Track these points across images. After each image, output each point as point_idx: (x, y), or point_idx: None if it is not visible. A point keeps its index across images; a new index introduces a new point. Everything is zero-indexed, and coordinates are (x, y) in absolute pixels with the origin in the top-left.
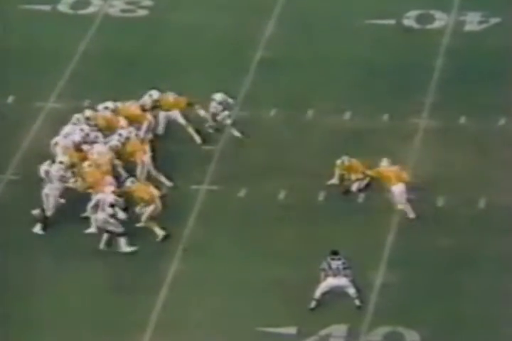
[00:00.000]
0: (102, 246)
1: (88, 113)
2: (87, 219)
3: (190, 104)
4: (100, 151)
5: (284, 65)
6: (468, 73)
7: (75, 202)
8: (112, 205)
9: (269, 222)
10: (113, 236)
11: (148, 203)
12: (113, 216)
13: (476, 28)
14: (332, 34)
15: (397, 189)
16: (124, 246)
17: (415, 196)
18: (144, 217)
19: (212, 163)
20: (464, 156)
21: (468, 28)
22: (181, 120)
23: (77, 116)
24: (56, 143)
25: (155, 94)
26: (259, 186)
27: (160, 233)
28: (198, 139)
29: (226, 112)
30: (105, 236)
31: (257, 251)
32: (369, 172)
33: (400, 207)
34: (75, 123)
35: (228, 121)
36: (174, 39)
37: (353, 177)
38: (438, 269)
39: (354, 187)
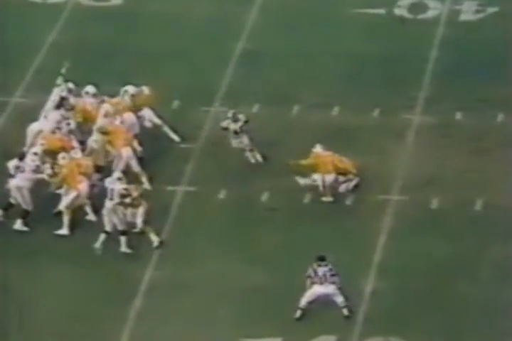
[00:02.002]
0: (98, 245)
1: (91, 89)
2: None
3: (154, 104)
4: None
5: (267, 57)
6: (464, 65)
7: (43, 201)
8: (125, 195)
9: (252, 225)
10: (112, 235)
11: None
12: (122, 203)
13: (472, 18)
14: (319, 24)
15: (330, 178)
16: (124, 245)
17: (407, 197)
18: (139, 222)
19: (190, 163)
20: (460, 154)
21: (463, 17)
22: (155, 119)
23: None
24: (40, 131)
25: (131, 89)
26: (241, 187)
27: (155, 239)
28: (175, 137)
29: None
30: (102, 236)
31: (239, 257)
32: (305, 161)
33: (326, 199)
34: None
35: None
36: (150, 30)
37: (341, 178)
38: (432, 276)
39: (342, 188)
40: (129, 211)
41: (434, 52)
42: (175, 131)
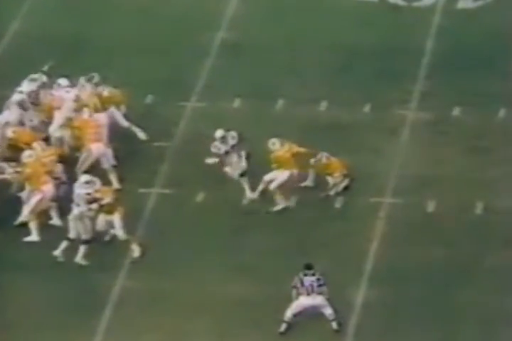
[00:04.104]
0: (58, 253)
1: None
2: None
3: (122, 101)
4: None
5: (249, 47)
6: (462, 57)
7: (5, 204)
8: (91, 201)
9: (232, 231)
10: (74, 244)
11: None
12: (91, 209)
13: (471, 6)
14: (305, 12)
15: (285, 174)
16: (81, 255)
17: (401, 199)
18: (120, 233)
19: (165, 163)
20: (458, 153)
21: (461, 5)
22: (122, 121)
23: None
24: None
25: (96, 78)
26: (220, 189)
27: (137, 249)
28: (142, 135)
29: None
30: (64, 243)
31: (218, 265)
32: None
33: (251, 195)
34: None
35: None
36: (122, 19)
37: (330, 180)
38: (428, 285)
39: (332, 190)
40: (102, 218)
41: (430, 43)
42: (142, 128)
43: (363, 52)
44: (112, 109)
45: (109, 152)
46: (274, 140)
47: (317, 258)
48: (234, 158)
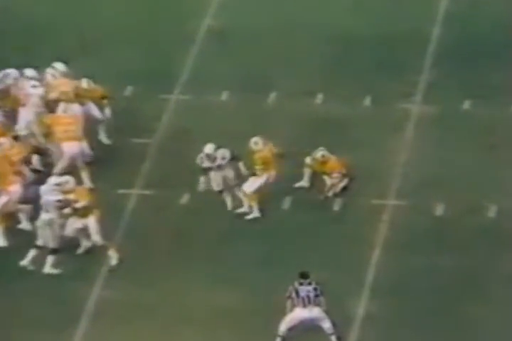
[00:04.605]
0: (26, 262)
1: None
2: None
3: (104, 97)
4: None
5: (238, 35)
6: (472, 46)
7: None
8: (63, 207)
9: (219, 236)
10: (43, 252)
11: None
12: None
13: None
14: None
15: (263, 178)
16: (50, 265)
17: (406, 202)
18: (95, 235)
19: (146, 161)
20: (468, 151)
21: None
22: (97, 113)
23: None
24: None
25: (60, 66)
26: (207, 191)
27: (114, 256)
28: (106, 140)
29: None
30: (32, 252)
31: (203, 274)
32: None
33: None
34: None
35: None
36: (101, 4)
37: (328, 180)
38: (436, 296)
39: (330, 191)
40: (75, 221)
41: (437, 30)
42: (121, 127)
43: (362, 40)
44: (90, 105)
45: (85, 149)
46: (256, 139)
47: (313, 267)
48: (218, 175)
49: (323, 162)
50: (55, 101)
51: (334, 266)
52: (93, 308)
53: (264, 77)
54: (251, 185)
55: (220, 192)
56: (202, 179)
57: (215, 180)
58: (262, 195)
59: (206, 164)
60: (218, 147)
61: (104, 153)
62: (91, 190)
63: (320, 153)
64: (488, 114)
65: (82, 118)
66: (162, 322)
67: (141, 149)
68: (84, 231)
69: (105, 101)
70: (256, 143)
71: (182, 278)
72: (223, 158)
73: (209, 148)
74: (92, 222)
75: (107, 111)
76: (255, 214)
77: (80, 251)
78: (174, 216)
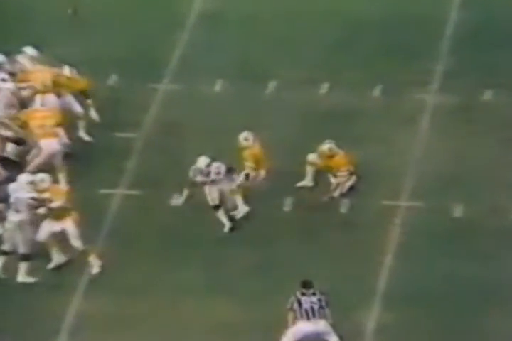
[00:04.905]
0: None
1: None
2: None
3: (85, 92)
4: None
5: (233, 19)
6: (493, 30)
7: None
8: (37, 206)
9: (213, 240)
10: (13, 258)
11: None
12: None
13: None
14: None
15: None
16: (23, 273)
17: (421, 203)
18: (75, 240)
19: (132, 158)
20: (489, 146)
21: None
22: (77, 107)
23: None
24: None
25: (30, 51)
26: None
27: (96, 264)
28: (86, 137)
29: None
30: (0, 259)
31: (197, 282)
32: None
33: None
34: None
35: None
36: None
37: (333, 179)
38: (455, 307)
39: (336, 191)
40: (50, 225)
41: (455, 13)
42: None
43: (371, 23)
44: (69, 97)
45: (64, 144)
46: (246, 134)
47: (318, 275)
48: (213, 189)
49: (330, 156)
50: (29, 97)
51: (341, 274)
52: (72, 322)
53: (262, 65)
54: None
55: (217, 207)
56: (185, 192)
57: (211, 194)
58: (247, 191)
59: (199, 178)
60: (212, 159)
61: (85, 149)
62: (68, 190)
63: (327, 145)
64: (509, 105)
65: (60, 111)
66: (151, 337)
67: (126, 144)
68: (61, 236)
69: (89, 102)
70: (246, 138)
71: (172, 288)
72: (218, 173)
73: (202, 162)
74: (69, 225)
75: (93, 112)
76: (243, 208)
77: (51, 266)
78: (163, 218)
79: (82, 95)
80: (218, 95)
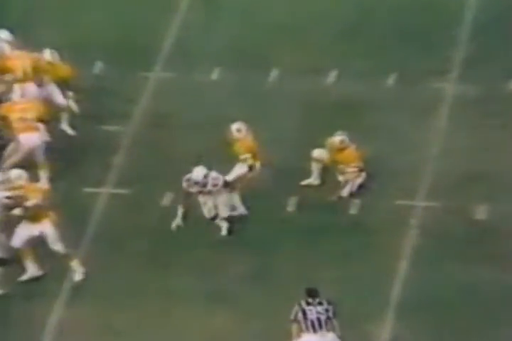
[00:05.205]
0: None
1: None
2: None
3: (66, 81)
4: None
5: (231, 1)
6: None
7: None
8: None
9: (210, 243)
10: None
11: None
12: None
13: None
14: None
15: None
16: None
17: (439, 203)
18: (56, 244)
19: (119, 153)
20: None
21: None
22: (60, 97)
23: None
24: None
25: (4, 35)
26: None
27: (79, 270)
28: (70, 130)
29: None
30: None
31: (191, 290)
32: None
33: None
34: None
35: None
36: None
37: (341, 176)
38: (475, 317)
39: (345, 190)
40: (26, 228)
41: None
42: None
43: (385, 5)
44: (51, 86)
45: (44, 138)
46: (238, 125)
47: (325, 282)
48: (208, 200)
49: (341, 150)
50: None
51: (351, 282)
52: (54, 332)
53: (264, 51)
54: (231, 175)
55: (213, 219)
56: (180, 210)
57: (206, 204)
58: (245, 187)
59: (194, 189)
60: (209, 169)
61: (68, 143)
62: (46, 188)
63: (339, 137)
64: None
65: (42, 103)
66: None
67: (113, 139)
68: (39, 239)
69: (70, 94)
70: (239, 130)
71: (164, 296)
72: (214, 185)
73: (198, 173)
74: (48, 227)
75: (72, 103)
76: (240, 208)
77: (24, 278)
78: (153, 219)
79: (63, 84)
80: (215, 84)
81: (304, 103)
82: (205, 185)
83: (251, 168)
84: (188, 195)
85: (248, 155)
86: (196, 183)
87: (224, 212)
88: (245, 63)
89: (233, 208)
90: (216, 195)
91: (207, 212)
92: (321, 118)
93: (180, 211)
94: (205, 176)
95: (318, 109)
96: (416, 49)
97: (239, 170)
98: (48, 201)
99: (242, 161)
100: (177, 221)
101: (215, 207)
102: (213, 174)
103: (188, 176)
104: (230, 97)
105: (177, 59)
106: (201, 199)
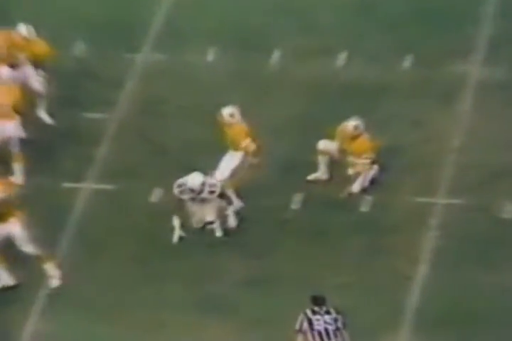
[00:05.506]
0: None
1: None
2: None
3: (41, 59)
4: None
5: None
6: None
7: None
8: None
9: (202, 245)
10: None
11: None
12: None
13: None
14: None
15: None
16: None
17: (463, 200)
18: (26, 245)
19: (103, 144)
20: None
21: None
22: (37, 81)
23: None
24: None
25: None
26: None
27: (54, 274)
28: (47, 119)
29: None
30: None
31: (183, 298)
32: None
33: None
34: None
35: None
36: None
37: (351, 170)
38: (502, 328)
39: (355, 185)
40: None
41: None
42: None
43: None
44: (27, 68)
45: (18, 128)
46: (231, 109)
47: (333, 288)
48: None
49: (353, 138)
50: None
51: (362, 288)
52: None
53: (265, 30)
54: (223, 169)
55: (203, 227)
56: (176, 222)
57: (195, 214)
58: (240, 182)
59: (186, 196)
60: (205, 174)
61: (46, 132)
62: (17, 183)
63: (353, 123)
64: None
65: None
66: None
67: (96, 127)
68: (6, 241)
69: (43, 74)
70: (232, 114)
71: (153, 305)
72: (211, 193)
73: (194, 180)
74: (16, 227)
75: (40, 85)
76: (236, 204)
77: None
78: (141, 218)
79: (38, 63)
80: (210, 67)
81: (310, 88)
82: (200, 192)
83: (257, 149)
84: (181, 202)
85: (248, 141)
86: (192, 190)
87: (211, 217)
88: (244, 43)
89: (224, 218)
90: (207, 203)
91: (195, 222)
92: (328, 105)
93: (176, 222)
94: (202, 184)
95: (326, 95)
96: (435, 27)
97: (231, 162)
98: (18, 197)
99: (242, 149)
100: (177, 233)
101: (204, 216)
102: (210, 180)
103: (180, 181)
104: (226, 81)
105: (167, 38)
106: (191, 208)
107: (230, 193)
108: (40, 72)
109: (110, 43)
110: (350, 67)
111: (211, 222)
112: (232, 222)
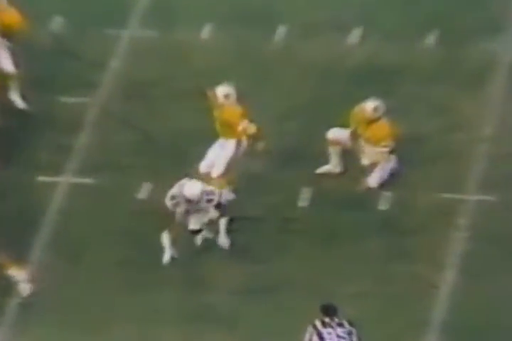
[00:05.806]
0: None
1: None
2: None
3: (10, 30)
4: None
5: None
6: None
7: None
8: None
9: (196, 250)
10: None
11: None
12: None
13: None
14: None
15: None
16: None
17: (495, 197)
18: None
19: (84, 133)
20: None
21: None
22: (7, 62)
23: None
24: None
25: None
26: (176, 178)
27: (25, 281)
28: (20, 103)
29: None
30: None
31: (177, 308)
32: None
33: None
34: None
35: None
36: None
37: (365, 159)
38: None
39: (372, 179)
40: None
41: None
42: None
43: None
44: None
45: None
46: (227, 89)
47: (346, 297)
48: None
49: (372, 121)
50: None
51: (380, 298)
52: None
53: (268, 3)
54: (219, 165)
55: (196, 232)
56: (166, 239)
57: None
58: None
59: (181, 208)
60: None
61: (18, 119)
62: None
63: (372, 104)
64: None
65: None
66: None
67: (76, 113)
68: None
69: (8, 44)
70: (227, 95)
71: (142, 316)
72: (209, 201)
73: (192, 190)
74: None
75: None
76: (227, 195)
77: None
78: (126, 217)
79: (6, 34)
80: (206, 45)
81: (319, 68)
82: (198, 202)
83: (257, 134)
84: (173, 215)
85: (246, 123)
86: (189, 201)
87: (194, 225)
88: (244, 18)
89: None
90: (202, 213)
91: (192, 224)
92: (340, 88)
93: (166, 240)
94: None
95: (337, 78)
96: (460, 1)
97: (223, 154)
98: None
99: (240, 133)
100: (167, 253)
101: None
102: (208, 189)
103: (173, 192)
104: (224, 61)
105: (157, 12)
106: (183, 219)
107: (223, 191)
108: (9, 45)
109: (91, 18)
110: (365, 45)
111: (198, 231)
112: (223, 240)
